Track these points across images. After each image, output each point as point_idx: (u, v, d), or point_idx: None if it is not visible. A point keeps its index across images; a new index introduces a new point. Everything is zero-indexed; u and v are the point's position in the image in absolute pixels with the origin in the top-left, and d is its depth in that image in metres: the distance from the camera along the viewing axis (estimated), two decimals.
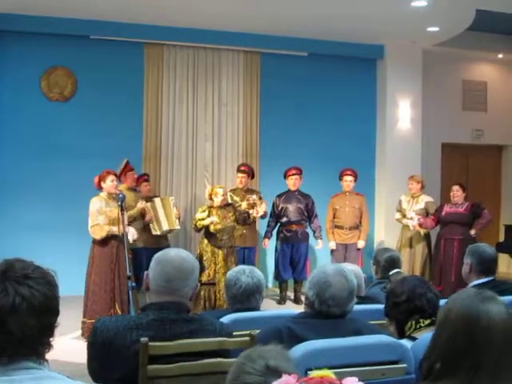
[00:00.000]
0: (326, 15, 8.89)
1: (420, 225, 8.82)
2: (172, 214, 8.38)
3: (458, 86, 11.76)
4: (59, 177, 9.12)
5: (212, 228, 7.85)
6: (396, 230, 9.49)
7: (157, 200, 8.41)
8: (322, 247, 9.21)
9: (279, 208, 9.11)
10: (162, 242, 8.42)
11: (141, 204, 7.74)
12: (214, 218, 7.85)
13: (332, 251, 9.23)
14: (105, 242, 6.88)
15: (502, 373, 1.79)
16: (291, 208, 9.04)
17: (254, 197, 8.63)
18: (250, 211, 8.49)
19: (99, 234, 6.81)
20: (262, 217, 8.94)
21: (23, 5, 8.38)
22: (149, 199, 8.30)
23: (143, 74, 9.68)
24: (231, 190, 8.90)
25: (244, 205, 8.54)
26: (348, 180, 9.16)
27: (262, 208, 8.62)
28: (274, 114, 10.21)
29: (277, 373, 1.55)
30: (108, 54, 9.44)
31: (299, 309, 3.02)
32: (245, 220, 8.50)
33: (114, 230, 6.70)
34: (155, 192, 9.29)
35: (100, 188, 7.03)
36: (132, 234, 6.94)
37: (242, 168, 9.11)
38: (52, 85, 9.29)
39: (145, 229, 8.29)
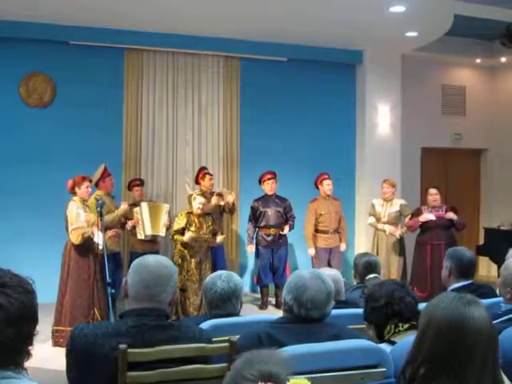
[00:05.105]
0: (305, 21, 8.91)
1: (408, 227, 8.80)
2: (160, 221, 8.35)
3: (437, 90, 11.86)
4: (37, 184, 9.01)
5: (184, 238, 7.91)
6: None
7: (143, 204, 8.38)
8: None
9: (258, 212, 9.11)
10: (151, 247, 8.34)
11: (124, 205, 7.76)
12: (190, 235, 7.85)
13: (314, 257, 9.19)
14: (84, 247, 6.81)
15: (485, 375, 1.81)
16: (270, 212, 9.04)
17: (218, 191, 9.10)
18: (221, 202, 8.84)
19: (77, 238, 6.71)
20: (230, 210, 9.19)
21: (1, 10, 8.32)
22: (138, 204, 8.33)
23: (123, 80, 9.63)
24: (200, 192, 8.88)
25: (214, 200, 8.68)
26: (330, 184, 9.16)
27: (232, 194, 9.01)
28: (254, 119, 10.20)
29: (274, 380, 1.53)
30: (87, 59, 9.35)
31: (281, 314, 3.02)
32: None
33: (90, 230, 6.69)
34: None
35: (73, 193, 6.97)
36: (101, 240, 6.42)
37: (207, 170, 9.12)
38: (31, 91, 9.20)
39: (132, 233, 8.33)
